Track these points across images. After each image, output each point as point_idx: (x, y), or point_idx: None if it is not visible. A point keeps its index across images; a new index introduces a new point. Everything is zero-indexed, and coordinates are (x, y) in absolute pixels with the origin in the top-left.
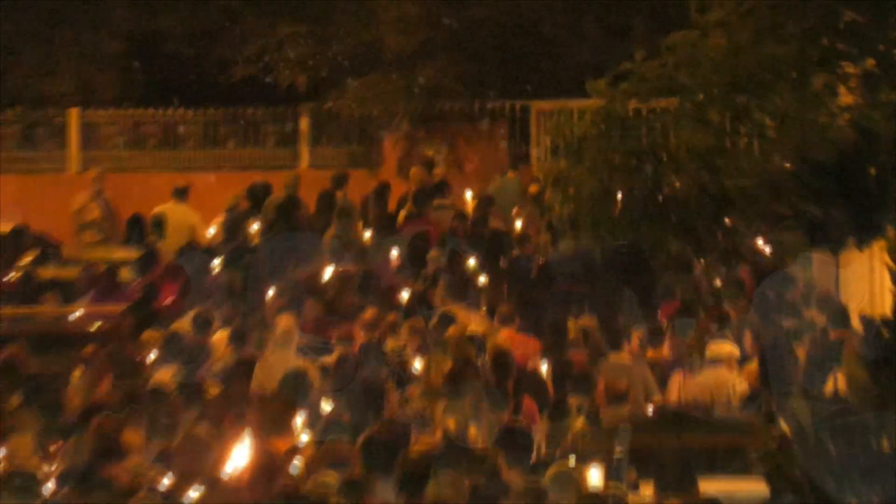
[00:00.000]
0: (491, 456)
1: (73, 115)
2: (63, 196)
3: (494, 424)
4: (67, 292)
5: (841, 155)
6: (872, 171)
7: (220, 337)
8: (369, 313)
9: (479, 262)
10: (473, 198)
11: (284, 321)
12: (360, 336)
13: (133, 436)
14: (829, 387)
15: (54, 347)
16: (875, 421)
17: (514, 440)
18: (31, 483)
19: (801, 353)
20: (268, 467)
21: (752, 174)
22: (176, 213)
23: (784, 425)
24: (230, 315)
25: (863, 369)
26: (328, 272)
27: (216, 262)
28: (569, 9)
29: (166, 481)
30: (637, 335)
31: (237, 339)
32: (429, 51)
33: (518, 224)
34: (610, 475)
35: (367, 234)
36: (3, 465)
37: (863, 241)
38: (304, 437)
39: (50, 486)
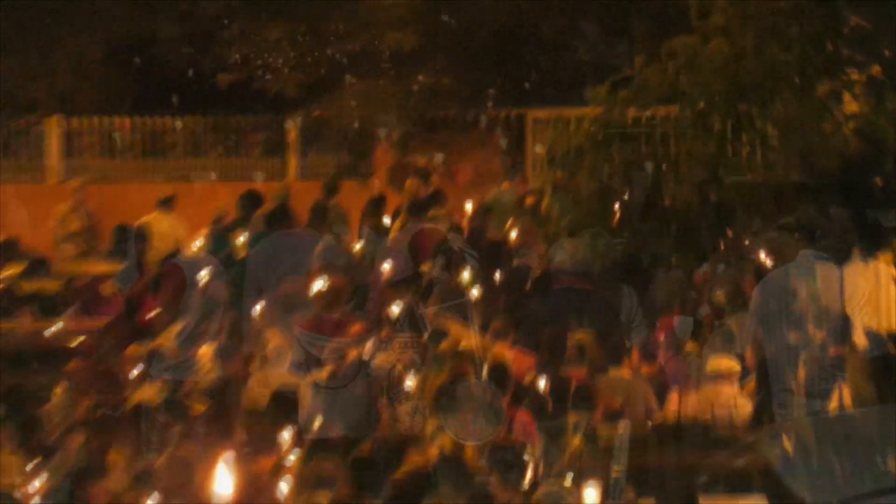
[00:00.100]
0: (484, 474)
1: (54, 123)
2: (43, 207)
3: (490, 442)
4: (48, 306)
5: (846, 164)
6: (878, 180)
7: (205, 352)
8: (359, 328)
9: (474, 274)
10: (472, 209)
11: (277, 336)
12: (352, 351)
13: (115, 454)
14: (832, 403)
15: (33, 363)
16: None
17: (506, 458)
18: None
19: (801, 368)
20: (254, 487)
21: (755, 183)
22: (161, 224)
23: (786, 442)
24: (216, 329)
25: (869, 384)
26: (318, 284)
27: (203, 275)
28: (567, 11)
29: (150, 502)
30: (636, 350)
31: (224, 354)
32: (423, 56)
33: (514, 236)
34: (608, 494)
35: (358, 246)
36: None
37: (868, 252)
38: (292, 457)
39: None
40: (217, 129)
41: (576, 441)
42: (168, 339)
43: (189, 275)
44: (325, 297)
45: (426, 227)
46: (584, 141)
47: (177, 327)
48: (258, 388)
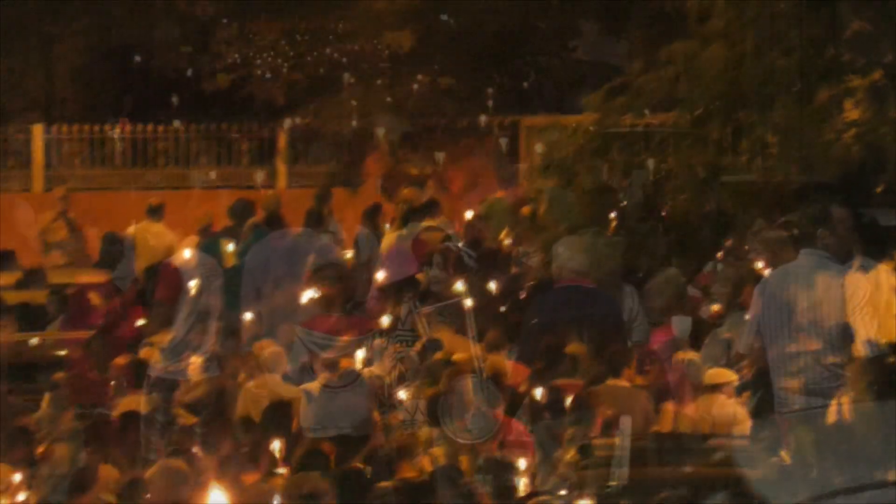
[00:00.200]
0: (478, 486)
1: (38, 131)
2: (24, 216)
3: (483, 453)
4: (36, 316)
5: (846, 172)
6: (879, 189)
7: (196, 361)
8: (361, 327)
9: (468, 285)
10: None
11: (272, 344)
12: (343, 362)
13: (100, 467)
14: (831, 416)
15: (18, 374)
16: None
17: (500, 470)
18: None
19: (801, 369)
20: (242, 500)
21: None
22: (150, 233)
23: (785, 454)
24: (205, 340)
25: (869, 395)
26: (318, 284)
27: (192, 285)
28: (564, 13)
29: None
30: (635, 360)
31: (216, 362)
32: (418, 59)
33: (509, 245)
34: None
35: (351, 253)
36: None
37: (867, 254)
38: (281, 470)
39: None
40: (206, 137)
41: (571, 453)
42: (158, 347)
43: (183, 281)
44: (325, 297)
45: (423, 234)
46: (578, 148)
47: (168, 336)
48: (253, 397)
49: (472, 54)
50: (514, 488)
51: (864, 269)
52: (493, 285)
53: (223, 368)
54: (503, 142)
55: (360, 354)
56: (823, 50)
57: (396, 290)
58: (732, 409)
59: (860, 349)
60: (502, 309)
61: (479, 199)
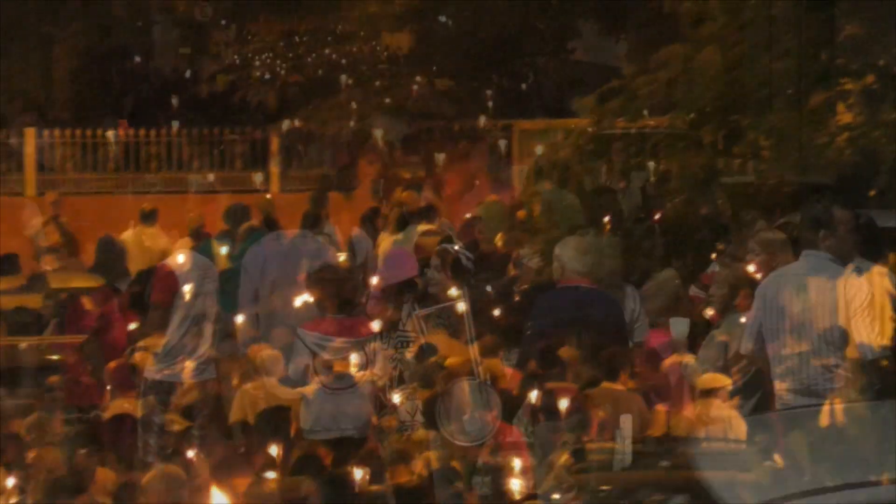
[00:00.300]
0: (467, 492)
1: (30, 135)
2: (21, 219)
3: (479, 456)
4: (30, 320)
5: (840, 176)
6: (872, 193)
7: (188, 366)
8: (362, 328)
9: (463, 289)
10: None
11: (267, 347)
12: (343, 363)
13: (94, 471)
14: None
15: (10, 378)
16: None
17: (493, 474)
18: None
19: (801, 379)
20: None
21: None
22: (144, 237)
23: (778, 458)
24: (200, 343)
25: (862, 398)
26: (317, 285)
27: (186, 289)
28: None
29: None
30: (630, 364)
31: (208, 368)
32: (414, 62)
33: (504, 249)
34: None
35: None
36: None
37: (862, 266)
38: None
39: None
40: (200, 141)
41: (566, 456)
42: (153, 351)
43: (178, 284)
44: (323, 299)
45: (420, 239)
46: (576, 150)
47: (163, 339)
48: (250, 400)
49: (471, 56)
50: (509, 491)
51: (860, 270)
52: (489, 288)
53: (219, 371)
54: (497, 145)
55: (360, 356)
56: (818, 53)
57: (397, 293)
58: (727, 413)
59: (858, 352)
60: (498, 312)
61: (473, 201)
